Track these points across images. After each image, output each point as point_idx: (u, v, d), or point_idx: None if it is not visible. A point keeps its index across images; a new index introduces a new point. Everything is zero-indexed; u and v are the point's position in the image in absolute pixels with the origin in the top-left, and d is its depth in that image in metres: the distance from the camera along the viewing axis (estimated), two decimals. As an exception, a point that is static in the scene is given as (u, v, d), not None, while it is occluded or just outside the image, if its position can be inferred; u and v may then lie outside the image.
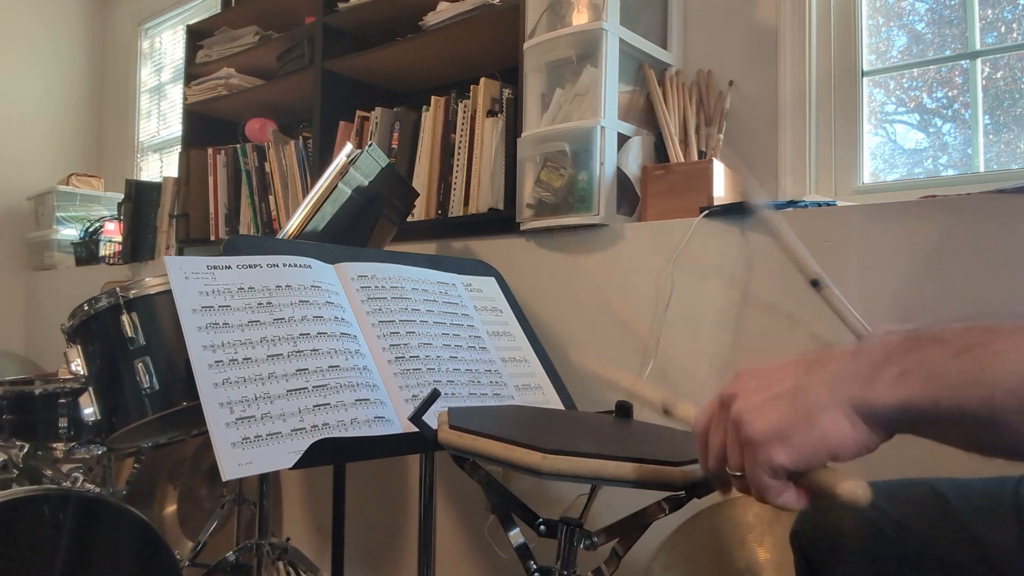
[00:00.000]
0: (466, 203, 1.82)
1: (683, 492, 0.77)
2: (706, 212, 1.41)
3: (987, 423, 0.44)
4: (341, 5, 2.16)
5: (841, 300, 0.69)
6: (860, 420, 0.48)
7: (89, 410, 1.39)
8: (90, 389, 1.39)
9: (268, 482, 1.73)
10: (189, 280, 1.02)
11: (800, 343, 1.27)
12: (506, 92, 1.81)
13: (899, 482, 0.81)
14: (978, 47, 1.46)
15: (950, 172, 1.48)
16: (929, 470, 0.83)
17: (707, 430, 0.57)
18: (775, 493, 0.52)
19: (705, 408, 0.58)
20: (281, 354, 1.01)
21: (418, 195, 1.82)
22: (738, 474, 0.54)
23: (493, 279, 1.46)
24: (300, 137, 2.36)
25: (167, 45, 3.80)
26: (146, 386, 1.33)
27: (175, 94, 3.61)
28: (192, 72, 2.75)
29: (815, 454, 0.49)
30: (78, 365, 1.42)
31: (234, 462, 0.88)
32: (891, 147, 1.58)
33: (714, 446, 0.56)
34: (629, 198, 1.59)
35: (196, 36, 2.77)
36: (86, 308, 1.40)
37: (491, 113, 1.80)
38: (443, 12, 1.91)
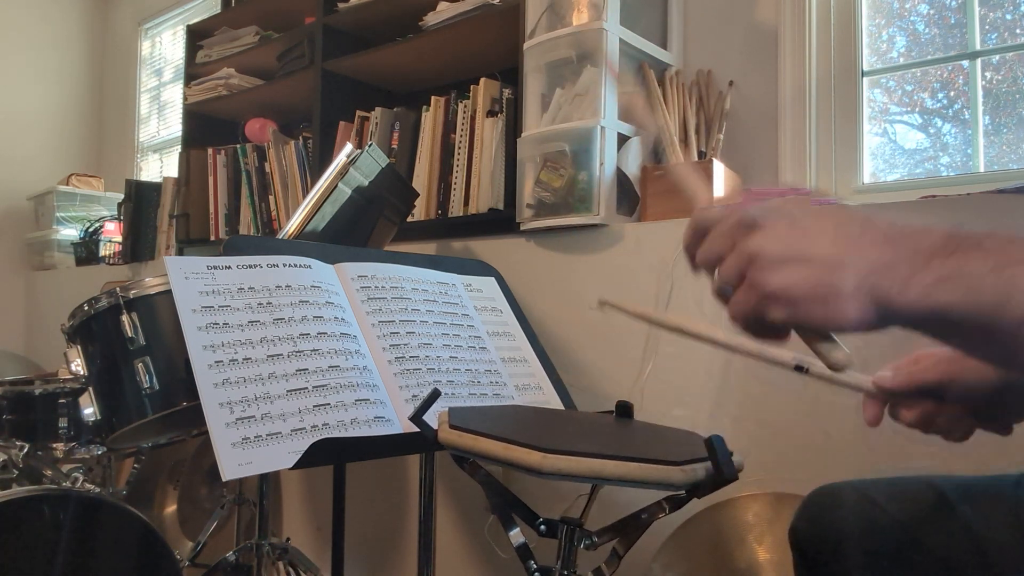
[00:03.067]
0: (466, 203, 1.82)
1: (683, 492, 0.77)
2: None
3: (1013, 344, 0.43)
4: (341, 5, 2.16)
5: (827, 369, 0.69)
6: (874, 310, 0.47)
7: (89, 410, 1.39)
8: (90, 389, 1.39)
9: (268, 482, 1.73)
10: (189, 280, 1.02)
11: (800, 343, 1.27)
12: (506, 92, 1.81)
13: (898, 479, 0.80)
14: (978, 48, 1.46)
15: (950, 172, 1.48)
16: (928, 468, 0.83)
17: (712, 224, 0.54)
18: (743, 326, 0.52)
19: (720, 210, 0.55)
20: (281, 354, 1.01)
21: (418, 195, 1.82)
22: (727, 289, 0.53)
23: (493, 279, 1.46)
24: (300, 137, 2.36)
25: (167, 45, 3.80)
26: (146, 386, 1.33)
27: (175, 94, 3.61)
28: (192, 72, 2.75)
29: (810, 322, 0.49)
30: (78, 365, 1.42)
31: (234, 462, 0.88)
32: (891, 147, 1.58)
33: (713, 250, 0.54)
34: (629, 198, 1.59)
35: (196, 36, 2.77)
36: (86, 308, 1.40)
37: (491, 113, 1.80)
38: (443, 12, 1.91)
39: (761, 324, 0.52)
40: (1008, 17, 1.45)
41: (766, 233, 0.51)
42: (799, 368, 0.67)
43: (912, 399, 0.66)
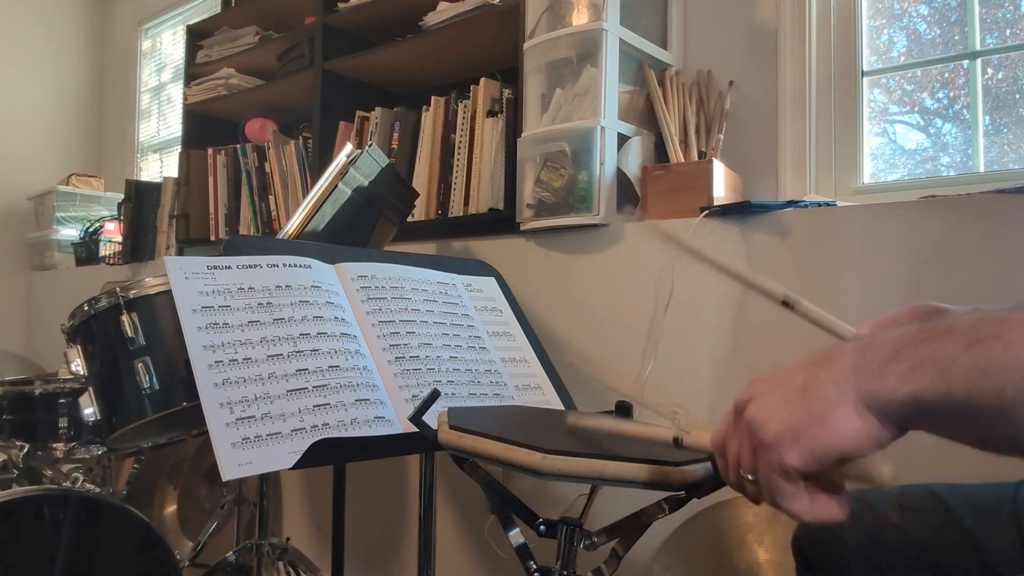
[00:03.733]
0: (466, 203, 1.82)
1: (683, 492, 0.77)
2: (706, 212, 1.40)
3: (999, 417, 0.43)
4: (341, 5, 2.16)
5: (817, 311, 0.69)
6: (870, 415, 0.47)
7: (89, 410, 1.39)
8: (90, 389, 1.39)
9: (268, 482, 1.73)
10: (189, 280, 1.02)
11: (799, 343, 1.27)
12: (506, 92, 1.81)
13: (900, 488, 0.81)
14: (979, 47, 1.46)
15: (950, 172, 1.48)
16: (930, 476, 0.83)
17: (724, 440, 0.56)
18: (787, 496, 0.51)
19: (722, 420, 0.57)
20: (281, 354, 1.01)
21: (418, 195, 1.82)
22: (751, 478, 0.53)
23: (493, 279, 1.46)
24: (300, 137, 2.36)
25: (167, 45, 3.80)
26: (146, 386, 1.33)
27: (175, 94, 3.61)
28: (192, 72, 2.75)
29: (825, 452, 0.48)
30: (78, 365, 1.42)
31: (234, 462, 0.88)
32: (891, 147, 1.58)
33: (732, 454, 0.55)
34: (629, 198, 1.59)
35: (196, 36, 2.77)
36: (86, 308, 1.40)
37: (491, 113, 1.80)
38: (443, 12, 1.91)
39: (799, 486, 0.51)
40: (1008, 17, 1.45)
41: (753, 402, 0.53)
42: (786, 303, 0.68)
43: None
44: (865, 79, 1.57)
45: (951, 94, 1.51)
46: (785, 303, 0.70)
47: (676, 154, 1.56)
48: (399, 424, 1.05)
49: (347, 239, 1.44)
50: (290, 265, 1.13)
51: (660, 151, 1.63)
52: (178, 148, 2.84)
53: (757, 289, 0.70)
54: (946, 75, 1.52)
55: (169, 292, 1.10)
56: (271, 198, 2.37)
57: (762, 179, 1.60)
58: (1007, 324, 0.44)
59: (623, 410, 1.09)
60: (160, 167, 3.74)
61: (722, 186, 1.48)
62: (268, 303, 1.06)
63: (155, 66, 3.86)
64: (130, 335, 1.35)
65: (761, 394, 0.52)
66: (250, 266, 1.09)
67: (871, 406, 0.47)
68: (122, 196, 3.05)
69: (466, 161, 1.84)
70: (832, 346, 0.52)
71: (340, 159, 1.46)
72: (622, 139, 1.56)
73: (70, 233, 3.47)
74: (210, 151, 2.58)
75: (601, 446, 0.78)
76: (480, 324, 1.33)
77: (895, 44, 1.58)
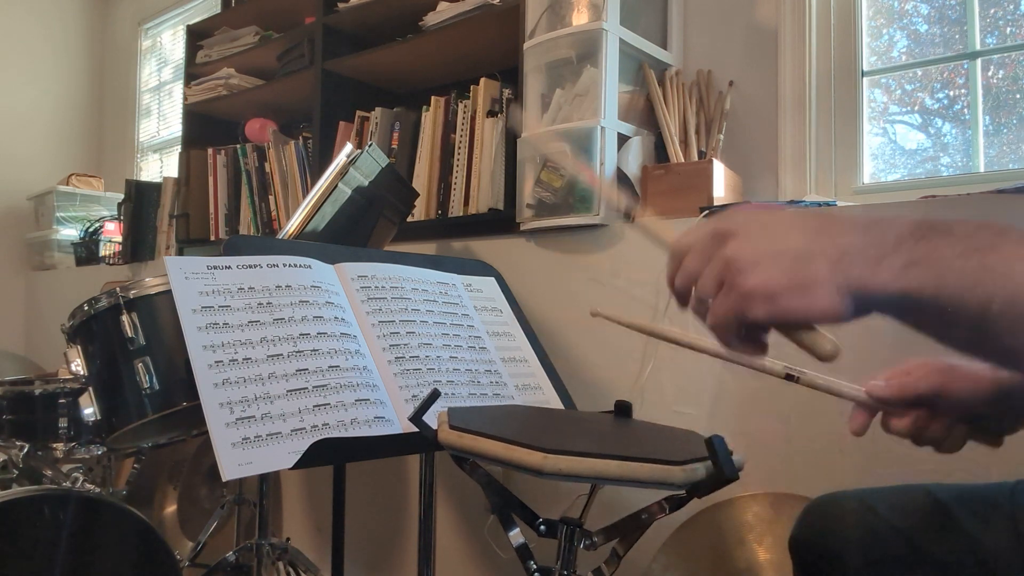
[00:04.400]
0: (466, 203, 1.82)
1: (683, 492, 0.77)
2: (706, 212, 1.40)
3: (980, 327, 0.44)
4: (341, 5, 2.16)
5: (819, 376, 0.69)
6: (849, 297, 0.48)
7: (89, 410, 1.39)
8: (90, 389, 1.39)
9: (268, 482, 1.73)
10: (189, 280, 1.02)
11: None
12: (506, 92, 1.81)
13: (897, 488, 0.81)
14: (979, 47, 1.46)
15: (950, 172, 1.48)
16: (928, 476, 0.83)
17: (689, 246, 0.55)
18: (727, 335, 0.52)
19: (693, 230, 0.56)
20: (281, 354, 1.01)
21: (418, 195, 1.82)
22: (701, 297, 0.54)
23: (493, 279, 1.46)
24: (300, 137, 2.36)
25: (167, 45, 3.80)
26: (146, 386, 1.33)
27: (175, 94, 3.61)
28: (192, 72, 2.75)
29: (793, 318, 0.49)
30: (78, 365, 1.42)
31: (234, 462, 0.88)
32: (891, 147, 1.58)
33: (690, 268, 0.55)
34: (629, 198, 1.59)
35: (196, 36, 2.77)
36: (86, 308, 1.40)
37: (491, 113, 1.80)
38: (443, 12, 1.91)
39: (741, 330, 0.52)
40: (1008, 17, 1.45)
41: (739, 239, 0.52)
42: (789, 377, 0.67)
43: (904, 409, 0.66)
44: (865, 79, 1.57)
45: (951, 94, 1.51)
46: (789, 377, 0.69)
47: (676, 154, 1.56)
48: (399, 424, 1.05)
49: (347, 239, 1.44)
50: (290, 265, 1.13)
51: (660, 151, 1.63)
52: (178, 148, 2.84)
53: (763, 371, 0.69)
54: (946, 75, 1.52)
55: (169, 292, 1.10)
56: (271, 198, 2.37)
57: (762, 179, 1.60)
58: (1005, 237, 0.44)
59: (623, 410, 1.09)
60: (160, 167, 3.74)
61: (722, 186, 1.48)
62: (268, 303, 1.06)
63: (155, 66, 3.86)
64: (130, 335, 1.35)
65: (749, 236, 0.52)
66: (250, 266, 1.09)
67: (855, 292, 0.48)
68: (122, 196, 3.05)
69: (466, 161, 1.84)
70: (832, 215, 0.52)
71: (340, 159, 1.46)
72: (622, 139, 1.56)
73: (70, 233, 3.47)
74: (210, 151, 2.58)
75: (602, 445, 0.78)
76: (480, 324, 1.33)
77: (895, 44, 1.58)
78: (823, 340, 0.52)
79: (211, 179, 2.58)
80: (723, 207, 1.40)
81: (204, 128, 2.75)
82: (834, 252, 0.49)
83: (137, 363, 1.34)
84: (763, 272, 0.50)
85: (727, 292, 0.51)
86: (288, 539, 1.76)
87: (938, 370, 0.66)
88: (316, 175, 2.06)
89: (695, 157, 1.56)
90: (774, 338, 0.55)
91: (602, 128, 1.51)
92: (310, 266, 1.15)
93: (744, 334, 0.53)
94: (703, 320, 0.55)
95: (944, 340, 0.48)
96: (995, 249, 0.44)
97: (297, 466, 0.90)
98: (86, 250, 3.29)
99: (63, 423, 1.52)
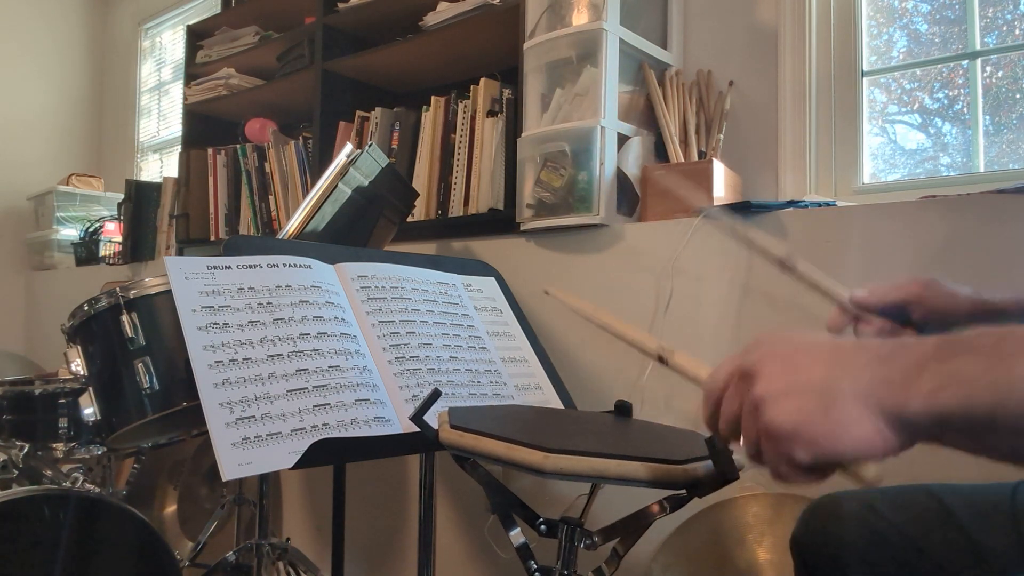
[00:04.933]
0: (466, 203, 1.82)
1: (684, 491, 0.77)
2: (704, 212, 1.40)
3: (1015, 433, 0.43)
4: (341, 5, 2.16)
5: (815, 271, 0.71)
6: (889, 430, 0.47)
7: (89, 410, 1.39)
8: (90, 389, 1.39)
9: (268, 482, 1.73)
10: (189, 280, 1.02)
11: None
12: (506, 92, 1.81)
13: (898, 488, 0.81)
14: (978, 47, 1.46)
15: (950, 172, 1.48)
16: (928, 476, 0.83)
17: (721, 394, 0.56)
18: (792, 480, 0.52)
19: (721, 369, 0.56)
20: (281, 354, 1.01)
21: (418, 195, 1.82)
22: (747, 449, 0.54)
23: (493, 279, 1.46)
24: (300, 137, 2.36)
25: (167, 45, 3.80)
26: (146, 386, 1.33)
27: (175, 94, 3.61)
28: (192, 72, 2.75)
29: (836, 458, 0.49)
30: (78, 365, 1.42)
31: (234, 462, 0.88)
32: (891, 147, 1.58)
33: (728, 413, 0.55)
34: (629, 198, 1.59)
35: (196, 36, 2.77)
36: (86, 308, 1.40)
37: (491, 113, 1.80)
38: (443, 12, 1.91)
39: (800, 471, 0.52)
40: (1008, 17, 1.45)
41: (763, 378, 0.52)
42: (783, 265, 0.68)
43: (880, 314, 0.69)
44: (865, 79, 1.57)
45: (951, 94, 1.51)
46: (783, 265, 0.71)
47: (676, 154, 1.56)
48: (399, 424, 1.05)
49: (347, 239, 1.44)
50: (290, 265, 1.13)
51: (660, 151, 1.63)
52: (178, 148, 2.84)
53: (759, 250, 0.72)
54: (946, 75, 1.52)
55: (169, 292, 1.10)
56: (271, 198, 2.37)
57: (762, 179, 1.60)
58: None
59: (623, 409, 1.09)
60: (160, 167, 3.74)
61: (722, 186, 1.48)
62: (268, 303, 1.06)
63: (155, 66, 3.86)
64: (130, 335, 1.35)
65: (773, 376, 0.52)
66: (250, 266, 1.09)
67: (892, 422, 0.47)
68: (122, 196, 3.05)
69: (466, 161, 1.84)
70: (852, 343, 0.52)
71: (340, 159, 1.46)
72: (622, 139, 1.56)
73: (70, 233, 3.47)
74: (210, 151, 2.58)
75: (603, 444, 0.78)
76: (480, 324, 1.33)
77: (895, 44, 1.58)
78: (865, 467, 0.51)
79: (211, 179, 2.58)
80: (723, 207, 1.40)
81: (204, 128, 2.75)
82: (861, 384, 0.48)
83: (137, 363, 1.34)
84: (794, 415, 0.49)
85: (766, 440, 0.51)
86: (288, 539, 1.76)
87: (920, 283, 0.70)
88: (316, 175, 2.06)
89: (695, 157, 1.56)
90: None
91: (602, 128, 1.51)
92: (310, 266, 1.15)
93: (805, 472, 0.52)
94: (771, 473, 0.54)
95: (985, 454, 0.47)
96: (1020, 356, 0.44)
97: (297, 466, 0.90)
98: (86, 250, 3.29)
99: (63, 423, 1.52)
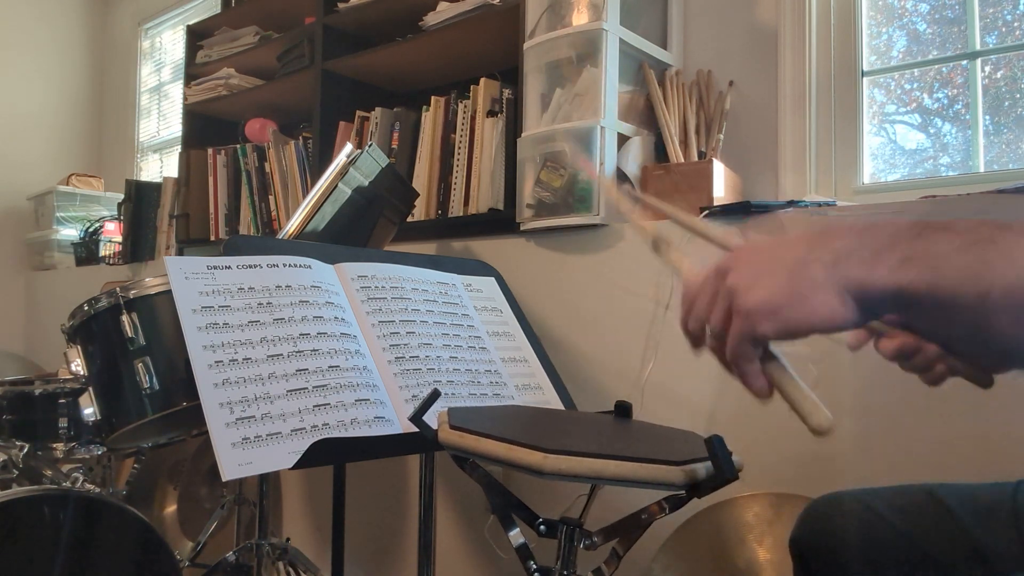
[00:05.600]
0: (466, 203, 1.82)
1: (683, 492, 0.77)
2: (706, 212, 1.41)
3: (978, 320, 0.43)
4: (341, 5, 2.16)
5: (699, 223, 0.70)
6: (851, 299, 0.48)
7: (89, 410, 1.39)
8: (90, 389, 1.39)
9: (268, 482, 1.73)
10: (189, 280, 1.02)
11: (800, 343, 1.27)
12: (506, 92, 1.81)
13: (898, 488, 0.81)
14: (978, 47, 1.46)
15: (950, 172, 1.48)
16: (929, 476, 0.83)
17: (697, 290, 0.57)
18: (746, 362, 0.53)
19: (702, 270, 0.58)
20: (281, 354, 1.01)
21: (418, 195, 1.82)
22: (715, 337, 0.54)
23: (493, 279, 1.46)
24: (300, 137, 2.36)
25: (167, 45, 3.80)
26: (146, 386, 1.33)
27: (175, 94, 3.61)
28: (192, 72, 2.75)
29: (799, 329, 0.50)
30: (78, 365, 1.42)
31: (234, 462, 0.88)
32: (891, 147, 1.58)
33: (700, 306, 0.56)
34: (629, 198, 1.59)
35: (196, 36, 2.77)
36: (86, 308, 1.40)
37: (491, 113, 1.80)
38: (443, 12, 1.91)
39: (755, 357, 0.53)
40: (1008, 16, 1.45)
41: (738, 267, 0.53)
42: (655, 244, 0.68)
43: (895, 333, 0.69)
44: (865, 79, 1.57)
45: (951, 94, 1.51)
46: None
47: (676, 154, 1.56)
48: (399, 424, 1.05)
49: (347, 239, 1.44)
50: (290, 265, 1.13)
51: (660, 151, 1.63)
52: (178, 148, 2.84)
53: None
54: (946, 75, 1.52)
55: (169, 292, 1.10)
56: (271, 198, 2.37)
57: (762, 179, 1.60)
58: (1006, 230, 0.44)
59: (623, 410, 1.09)
60: (160, 167, 3.75)
61: (722, 186, 1.48)
62: (268, 303, 1.06)
63: (155, 66, 3.86)
64: (130, 335, 1.35)
65: (747, 263, 0.53)
66: (250, 266, 1.09)
67: (854, 291, 0.48)
68: (122, 196, 3.05)
69: (466, 161, 1.84)
70: (824, 227, 0.53)
71: (340, 159, 1.46)
72: (622, 139, 1.56)
73: (70, 233, 3.47)
74: (210, 151, 2.58)
75: (603, 445, 0.78)
76: (480, 324, 1.33)
77: (895, 44, 1.58)
78: (817, 412, 0.52)
79: (211, 179, 2.58)
80: (723, 207, 1.40)
81: (204, 128, 2.75)
82: (829, 256, 0.49)
83: (137, 363, 1.34)
84: (762, 288, 0.50)
85: (733, 319, 0.52)
86: (288, 539, 1.76)
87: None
88: (316, 175, 2.06)
89: (695, 157, 1.56)
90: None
91: (602, 128, 1.51)
92: (310, 266, 1.15)
93: (761, 365, 0.53)
94: (721, 358, 0.55)
95: (943, 340, 0.48)
96: (994, 241, 0.44)
97: (297, 466, 0.90)
98: (86, 250, 3.29)
99: (63, 423, 1.52)
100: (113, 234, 3.22)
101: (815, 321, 0.49)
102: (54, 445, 1.53)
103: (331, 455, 1.05)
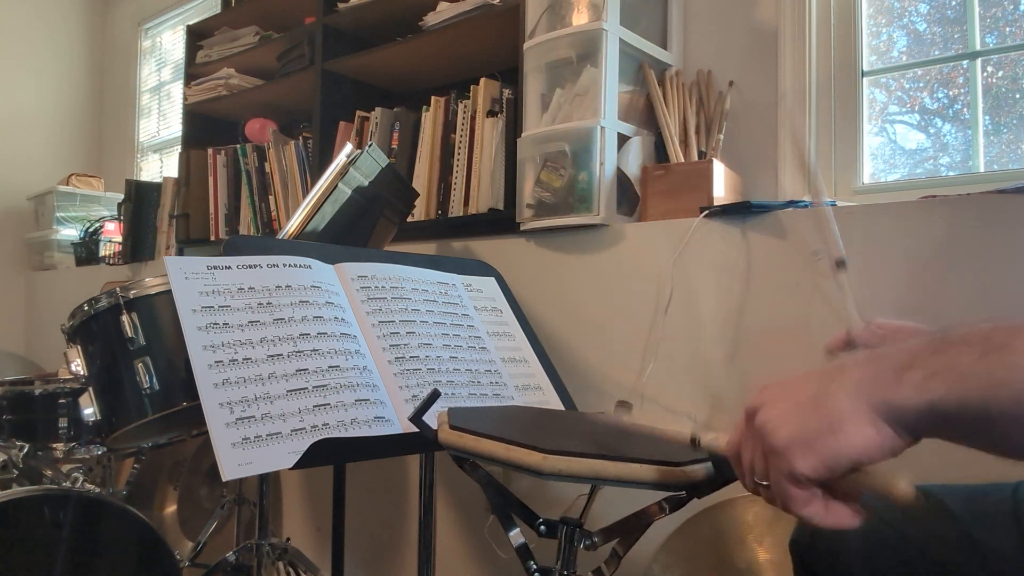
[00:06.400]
0: (466, 203, 1.82)
1: (683, 492, 0.77)
2: (706, 212, 1.40)
3: (1015, 424, 0.43)
4: (341, 5, 2.16)
5: (849, 289, 0.71)
6: (884, 424, 0.47)
7: (89, 410, 1.39)
8: (90, 389, 1.39)
9: (268, 482, 1.73)
10: (189, 280, 1.02)
11: (800, 344, 1.27)
12: (506, 92, 1.81)
13: None
14: (978, 47, 1.46)
15: (950, 172, 1.48)
16: (929, 476, 0.83)
17: (739, 446, 0.56)
18: (800, 503, 0.51)
19: (735, 427, 0.57)
20: (281, 354, 1.01)
21: (418, 195, 1.82)
22: (764, 483, 0.53)
23: (493, 279, 1.46)
24: (300, 137, 2.36)
25: (167, 45, 3.80)
26: (146, 386, 1.33)
27: (175, 94, 3.61)
28: (192, 72, 2.75)
29: (837, 461, 0.48)
30: (78, 365, 1.42)
31: (234, 462, 0.88)
32: (891, 147, 1.58)
33: (746, 460, 0.55)
34: (629, 198, 1.59)
35: (196, 36, 2.77)
36: (86, 308, 1.40)
37: (491, 113, 1.80)
38: (443, 12, 1.91)
39: (802, 488, 0.51)
40: (1008, 16, 1.45)
41: (764, 406, 0.53)
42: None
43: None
44: (865, 79, 1.57)
45: (951, 94, 1.51)
46: (840, 263, 0.71)
47: (676, 154, 1.56)
48: (399, 424, 1.05)
49: (347, 239, 1.44)
50: (290, 265, 1.13)
51: (660, 151, 1.63)
52: (178, 148, 2.84)
53: (826, 237, 0.71)
54: (946, 75, 1.52)
55: (169, 292, 1.10)
56: (271, 198, 2.37)
57: (762, 179, 1.60)
58: (1020, 333, 0.44)
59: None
60: (160, 167, 3.74)
61: (722, 186, 1.48)
62: (268, 303, 1.06)
63: (155, 66, 3.86)
64: (130, 335, 1.35)
65: (772, 401, 0.52)
66: (250, 266, 1.09)
67: (885, 415, 0.47)
68: (122, 196, 3.05)
69: (466, 161, 1.84)
70: (843, 359, 0.53)
71: (340, 159, 1.46)
72: (622, 139, 1.56)
73: (70, 233, 3.47)
74: (210, 151, 2.58)
75: (602, 446, 0.78)
76: (480, 324, 1.33)
77: (895, 44, 1.58)
78: (892, 480, 0.50)
79: (211, 179, 2.58)
80: (723, 207, 1.40)
81: (204, 128, 2.75)
82: (850, 385, 0.48)
83: (137, 363, 1.34)
84: (789, 425, 0.50)
85: (770, 460, 0.51)
86: (288, 539, 1.76)
87: (908, 331, 0.68)
88: (316, 175, 2.06)
89: (695, 157, 1.56)
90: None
91: (602, 128, 1.51)
92: (310, 266, 1.15)
93: (824, 495, 0.52)
94: (786, 509, 0.53)
95: (984, 446, 0.47)
96: (1012, 346, 0.43)
97: (297, 466, 0.90)
98: (86, 250, 3.29)
99: (63, 423, 1.52)
100: (113, 234, 3.22)
101: (853, 453, 0.48)
102: (54, 445, 1.53)
103: (331, 455, 1.05)
